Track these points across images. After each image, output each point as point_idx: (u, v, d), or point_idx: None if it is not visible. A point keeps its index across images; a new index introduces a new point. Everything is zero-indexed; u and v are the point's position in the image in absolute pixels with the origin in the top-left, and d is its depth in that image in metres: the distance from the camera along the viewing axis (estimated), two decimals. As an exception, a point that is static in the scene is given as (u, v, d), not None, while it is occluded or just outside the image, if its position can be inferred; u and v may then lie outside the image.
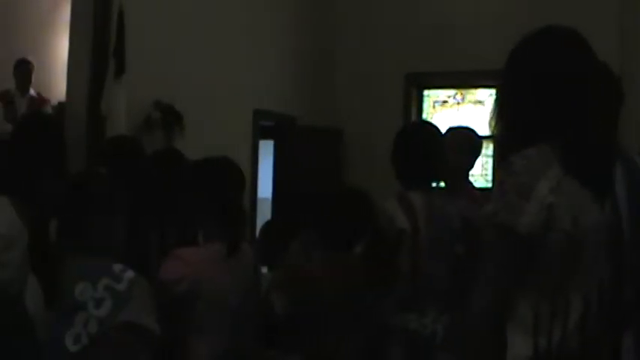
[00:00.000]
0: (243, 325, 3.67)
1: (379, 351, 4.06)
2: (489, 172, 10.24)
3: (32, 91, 9.27)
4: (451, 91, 10.96)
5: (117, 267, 2.86)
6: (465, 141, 5.06)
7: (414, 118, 10.78)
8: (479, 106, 10.70)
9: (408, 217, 4.10)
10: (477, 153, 5.22)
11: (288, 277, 3.94)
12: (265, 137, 10.62)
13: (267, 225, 5.77)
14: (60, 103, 9.61)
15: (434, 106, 11.07)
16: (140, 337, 2.85)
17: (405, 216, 4.10)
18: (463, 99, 10.90)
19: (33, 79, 9.29)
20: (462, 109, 10.79)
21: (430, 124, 5.06)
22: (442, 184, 4.48)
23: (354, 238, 4.05)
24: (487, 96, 10.54)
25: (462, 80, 10.73)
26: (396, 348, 4.08)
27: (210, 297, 3.54)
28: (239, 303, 3.64)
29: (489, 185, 9.79)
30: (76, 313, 2.79)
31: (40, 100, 9.23)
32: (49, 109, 9.09)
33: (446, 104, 11.00)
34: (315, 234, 4.13)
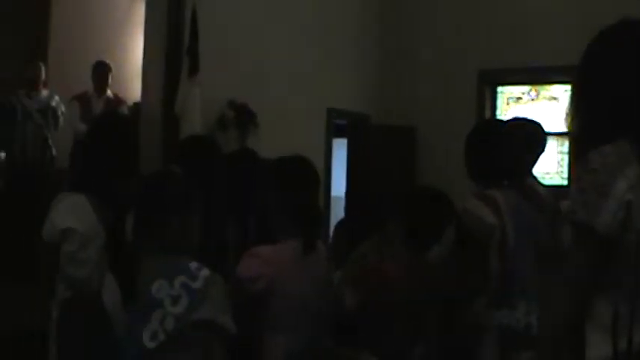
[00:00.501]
0: (318, 323, 3.68)
1: (472, 350, 4.05)
2: (565, 169, 10.12)
3: (109, 93, 9.38)
4: (525, 88, 10.84)
5: (193, 265, 2.88)
6: (530, 136, 4.97)
7: (487, 115, 10.68)
8: (554, 102, 10.56)
9: (495, 215, 4.10)
10: (541, 148, 5.11)
11: (360, 275, 3.93)
12: (339, 136, 10.64)
13: (341, 224, 5.76)
14: (135, 104, 9.73)
15: (508, 103, 10.96)
16: (215, 335, 2.87)
17: (492, 213, 4.10)
18: (537, 95, 10.78)
19: (110, 81, 9.39)
20: (537, 106, 10.66)
21: (501, 121, 5.00)
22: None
23: (432, 237, 4.02)
24: (562, 92, 10.40)
25: (537, 76, 10.60)
26: (491, 345, 4.07)
27: (286, 295, 3.54)
28: (314, 301, 3.64)
29: (565, 183, 9.69)
30: (153, 311, 2.82)
31: (117, 101, 9.33)
32: (125, 110, 9.18)
33: (520, 101, 10.88)
34: (390, 232, 4.12)
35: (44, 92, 9.52)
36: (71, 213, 3.76)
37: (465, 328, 4.04)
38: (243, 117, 8.58)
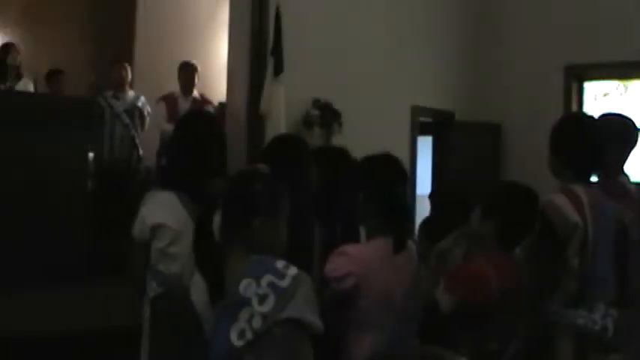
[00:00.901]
0: (405, 322, 3.68)
1: (547, 350, 4.01)
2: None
3: (195, 93, 9.47)
4: (613, 83, 10.67)
5: (280, 264, 2.90)
6: (619, 131, 4.83)
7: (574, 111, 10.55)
8: (643, 97, 10.39)
9: (578, 213, 4.05)
10: (632, 144, 4.95)
11: (456, 276, 3.91)
12: (424, 133, 10.59)
13: (426, 222, 5.75)
14: (221, 104, 9.81)
15: (595, 99, 10.80)
16: (303, 333, 2.89)
17: (576, 211, 4.05)
18: (626, 90, 10.60)
19: (196, 81, 9.49)
20: (625, 101, 10.49)
21: (587, 115, 4.91)
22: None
23: (524, 235, 3.99)
24: (652, 87, 10.24)
25: (625, 71, 10.41)
26: (566, 346, 4.03)
27: (374, 294, 3.55)
28: (403, 300, 3.64)
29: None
30: (241, 309, 2.84)
31: (203, 101, 9.42)
32: (211, 110, 9.26)
33: (608, 96, 10.72)
34: (478, 230, 4.09)
35: (131, 93, 9.67)
36: (161, 210, 3.81)
37: (540, 326, 4.01)
38: (327, 116, 8.60)
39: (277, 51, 8.30)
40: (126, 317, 4.98)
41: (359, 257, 3.57)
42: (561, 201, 4.09)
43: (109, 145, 9.42)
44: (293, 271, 2.88)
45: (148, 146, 9.57)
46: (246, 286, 2.85)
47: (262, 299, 2.82)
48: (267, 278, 2.85)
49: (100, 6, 12.09)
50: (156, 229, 3.81)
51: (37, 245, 7.41)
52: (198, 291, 3.01)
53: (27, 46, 10.79)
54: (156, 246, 3.82)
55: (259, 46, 8.54)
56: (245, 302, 2.83)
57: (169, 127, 8.84)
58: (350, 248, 3.63)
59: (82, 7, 12.03)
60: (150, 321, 3.74)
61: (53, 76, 9.99)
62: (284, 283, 2.85)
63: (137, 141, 9.52)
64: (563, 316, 4.03)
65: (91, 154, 8.99)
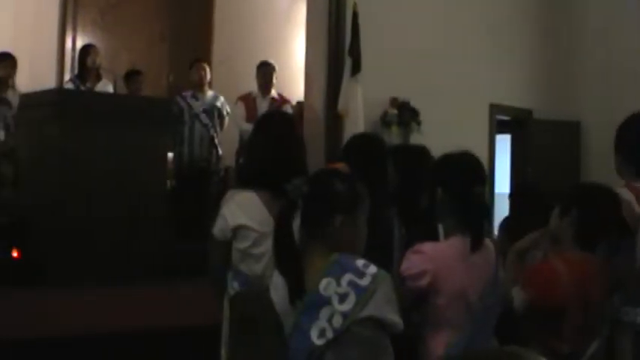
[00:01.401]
0: (482, 321, 3.65)
1: (609, 347, 3.96)
2: None
3: (273, 92, 9.51)
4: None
5: (360, 262, 2.90)
6: None
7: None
8: None
9: None
10: None
11: (530, 276, 3.88)
12: (502, 131, 10.53)
13: (505, 221, 5.70)
14: (299, 103, 9.85)
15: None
16: (383, 332, 2.89)
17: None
18: None
19: (274, 80, 9.53)
20: None
21: None
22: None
23: (604, 235, 3.94)
24: None
25: None
26: (625, 344, 3.98)
27: (450, 292, 3.53)
28: (480, 299, 3.62)
29: None
30: (321, 308, 2.84)
31: (281, 101, 9.45)
32: (289, 109, 9.30)
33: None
34: (556, 230, 4.05)
35: (210, 93, 9.75)
36: (243, 210, 3.83)
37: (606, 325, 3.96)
38: (405, 115, 8.60)
39: (354, 50, 8.33)
40: (206, 316, 5.03)
41: (435, 255, 3.57)
42: (628, 196, 4.04)
43: (188, 146, 9.51)
44: (373, 269, 2.88)
45: (226, 146, 9.65)
46: (327, 285, 2.86)
47: (342, 298, 2.83)
48: (348, 277, 2.86)
49: (177, 6, 12.22)
50: (238, 230, 3.83)
51: (118, 244, 7.51)
52: (277, 290, 3.03)
53: (106, 47, 10.94)
54: (238, 246, 3.85)
55: (336, 46, 8.58)
56: (325, 301, 2.84)
57: (248, 127, 8.90)
58: (426, 246, 3.62)
59: (159, 8, 12.17)
60: (230, 320, 3.76)
61: (132, 76, 10.12)
62: (364, 281, 2.85)
63: (216, 141, 9.60)
64: (624, 314, 3.97)
65: (170, 155, 9.10)
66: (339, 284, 2.85)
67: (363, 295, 2.83)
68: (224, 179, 10.00)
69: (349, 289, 2.84)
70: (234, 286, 3.85)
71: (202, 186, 9.49)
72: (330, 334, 2.82)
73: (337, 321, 2.82)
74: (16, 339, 5.48)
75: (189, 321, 6.03)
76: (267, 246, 3.70)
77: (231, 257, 3.88)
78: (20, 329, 5.79)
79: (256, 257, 3.79)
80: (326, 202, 3.01)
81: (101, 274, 7.25)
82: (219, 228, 3.91)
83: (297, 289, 2.92)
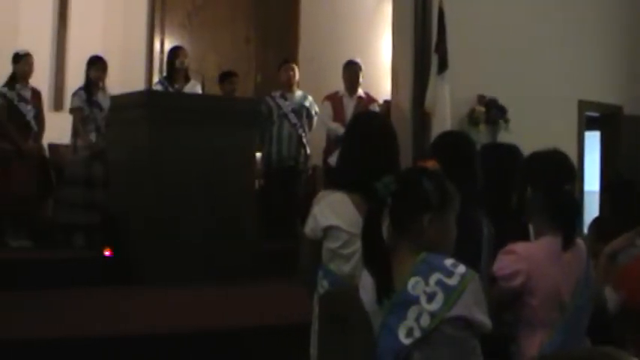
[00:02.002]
0: (575, 321, 3.61)
1: None
2: None
3: (360, 91, 9.51)
4: None
5: (448, 262, 2.88)
6: None
7: None
8: None
9: None
10: None
11: (622, 275, 3.83)
12: (591, 128, 10.39)
13: (596, 220, 5.63)
14: (385, 102, 9.84)
15: None
16: (471, 332, 2.87)
17: None
18: None
19: (361, 79, 9.53)
20: None
21: None
22: None
23: None
24: None
25: None
26: None
27: (543, 292, 3.50)
28: (571, 299, 3.58)
29: None
30: (409, 307, 2.83)
31: (368, 100, 9.43)
32: (376, 108, 9.28)
33: None
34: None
35: (298, 93, 9.79)
36: (334, 211, 3.84)
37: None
38: (493, 112, 8.54)
39: (441, 48, 8.32)
40: (294, 315, 5.05)
41: (527, 255, 3.54)
42: None
43: (276, 145, 9.57)
44: (462, 269, 2.86)
45: (314, 145, 9.69)
46: (415, 285, 2.85)
47: (431, 297, 2.82)
48: (436, 276, 2.85)
49: (264, 7, 12.31)
50: (328, 231, 3.85)
51: (206, 244, 7.60)
52: (366, 290, 3.03)
53: (193, 49, 11.07)
54: (328, 246, 3.86)
55: (423, 44, 8.57)
56: (413, 300, 2.84)
57: (335, 126, 8.95)
58: (518, 246, 3.59)
59: (246, 9, 12.28)
60: (319, 319, 3.77)
61: (226, 77, 10.22)
62: (452, 281, 2.83)
63: (304, 140, 9.64)
64: None
65: (258, 154, 9.17)
66: (427, 283, 2.84)
67: (452, 294, 2.82)
68: (312, 178, 10.05)
69: (437, 288, 2.83)
70: (324, 285, 3.86)
71: (290, 185, 9.54)
72: (417, 334, 2.82)
73: (425, 320, 2.82)
74: (104, 336, 5.57)
75: (277, 320, 6.05)
76: (356, 246, 3.71)
77: (321, 256, 3.89)
78: (110, 327, 5.89)
79: (346, 257, 3.80)
80: (415, 200, 2.99)
81: (190, 273, 7.35)
82: (310, 227, 3.93)
83: (385, 287, 2.92)
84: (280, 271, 6.73)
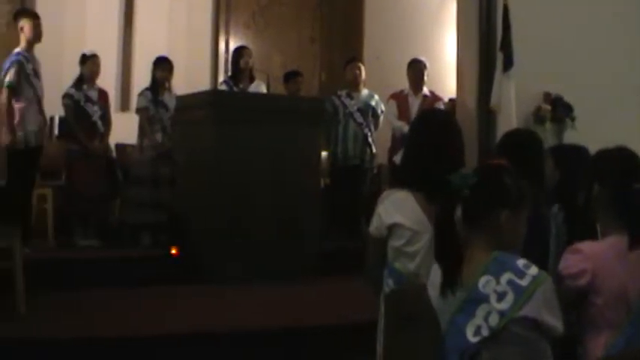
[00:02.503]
0: (641, 322, 3.56)
1: None
2: None
3: (425, 90, 9.48)
4: None
5: (520, 262, 2.86)
6: None
7: None
8: None
9: None
10: None
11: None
12: (659, 125, 10.23)
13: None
14: (450, 100, 9.80)
15: None
16: (540, 334, 2.85)
17: None
18: None
19: (425, 78, 9.50)
20: None
21: None
22: None
23: None
24: None
25: None
26: None
27: (609, 292, 3.45)
28: (638, 299, 3.53)
29: None
30: (478, 306, 2.83)
31: (433, 98, 9.41)
32: (441, 106, 9.25)
33: None
34: None
35: (364, 92, 9.79)
36: (398, 209, 3.84)
37: None
38: (559, 110, 8.46)
39: (506, 46, 8.26)
40: (360, 314, 5.05)
41: (593, 254, 3.49)
42: None
43: (342, 144, 9.59)
44: (534, 270, 2.84)
45: (379, 144, 9.69)
46: (486, 283, 2.84)
47: (501, 297, 2.80)
48: (507, 276, 2.83)
49: (329, 6, 12.34)
50: (393, 228, 3.84)
51: (272, 243, 7.63)
52: (434, 286, 3.02)
53: (258, 49, 11.14)
54: (393, 244, 3.86)
55: (488, 42, 8.52)
56: (483, 299, 2.82)
57: (400, 125, 8.94)
58: (584, 245, 3.55)
59: (311, 8, 12.32)
60: (385, 318, 3.77)
61: (291, 77, 10.26)
62: (524, 282, 2.81)
63: (370, 139, 9.64)
64: None
65: (324, 153, 9.18)
66: (498, 282, 2.83)
67: (522, 295, 2.80)
68: (377, 177, 10.05)
69: (508, 288, 2.81)
70: (389, 284, 3.86)
71: (356, 185, 9.55)
72: (485, 332, 2.80)
73: (494, 319, 2.80)
74: (172, 334, 5.63)
75: (342, 319, 6.06)
76: (421, 244, 3.72)
77: (386, 255, 3.89)
78: (177, 325, 5.94)
79: (410, 255, 3.79)
80: (495, 195, 2.97)
81: (254, 272, 7.38)
82: (375, 226, 3.93)
83: (452, 282, 2.91)
84: (345, 271, 6.73)
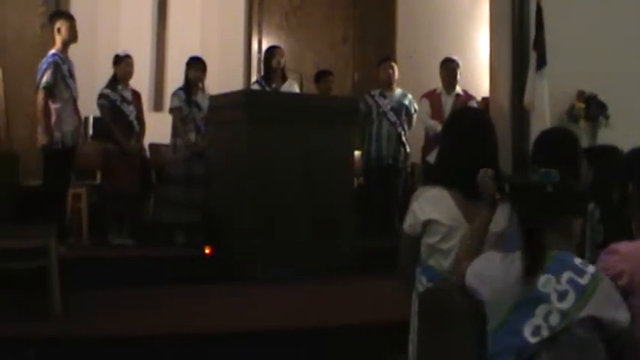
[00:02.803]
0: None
1: None
2: None
3: (458, 89, 9.45)
4: None
5: (578, 260, 2.87)
6: None
7: None
8: None
9: None
10: None
11: None
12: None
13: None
14: (484, 99, 9.77)
15: None
16: (599, 333, 2.82)
17: None
18: None
19: (458, 77, 9.46)
20: None
21: None
22: None
23: None
24: None
25: None
26: None
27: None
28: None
29: None
30: (538, 305, 2.83)
31: (466, 97, 9.37)
32: (474, 105, 9.22)
33: None
34: None
35: (398, 91, 9.78)
36: (432, 205, 3.83)
37: None
38: (593, 109, 8.41)
39: (539, 45, 8.24)
40: (392, 312, 5.04)
41: (631, 255, 3.45)
42: None
43: (375, 143, 9.58)
44: (592, 268, 2.85)
45: (412, 143, 9.67)
46: (545, 282, 2.83)
47: (562, 296, 2.80)
48: (567, 275, 2.83)
49: (361, 5, 12.33)
50: (428, 225, 3.84)
51: (305, 242, 7.63)
52: (485, 282, 3.02)
53: (291, 48, 11.16)
54: (427, 241, 3.85)
55: (521, 41, 8.51)
56: (543, 298, 2.81)
57: (433, 124, 8.92)
58: (621, 246, 3.52)
59: (343, 8, 12.32)
60: (418, 316, 3.76)
61: (322, 77, 10.25)
62: (584, 280, 2.81)
63: (404, 138, 9.63)
64: None
65: (357, 153, 9.18)
66: (558, 281, 2.82)
67: (584, 293, 2.79)
68: (411, 176, 10.03)
69: (569, 287, 2.81)
70: (422, 282, 3.85)
71: (389, 184, 9.53)
72: (545, 333, 2.79)
73: (554, 319, 2.79)
74: (206, 334, 5.64)
75: (376, 317, 6.05)
76: (455, 241, 3.71)
77: (420, 253, 3.88)
78: (210, 324, 5.96)
79: (444, 252, 3.78)
80: (575, 197, 2.98)
81: (288, 271, 7.39)
82: (409, 224, 3.93)
83: (534, 265, 2.88)
84: (379, 269, 6.71)
